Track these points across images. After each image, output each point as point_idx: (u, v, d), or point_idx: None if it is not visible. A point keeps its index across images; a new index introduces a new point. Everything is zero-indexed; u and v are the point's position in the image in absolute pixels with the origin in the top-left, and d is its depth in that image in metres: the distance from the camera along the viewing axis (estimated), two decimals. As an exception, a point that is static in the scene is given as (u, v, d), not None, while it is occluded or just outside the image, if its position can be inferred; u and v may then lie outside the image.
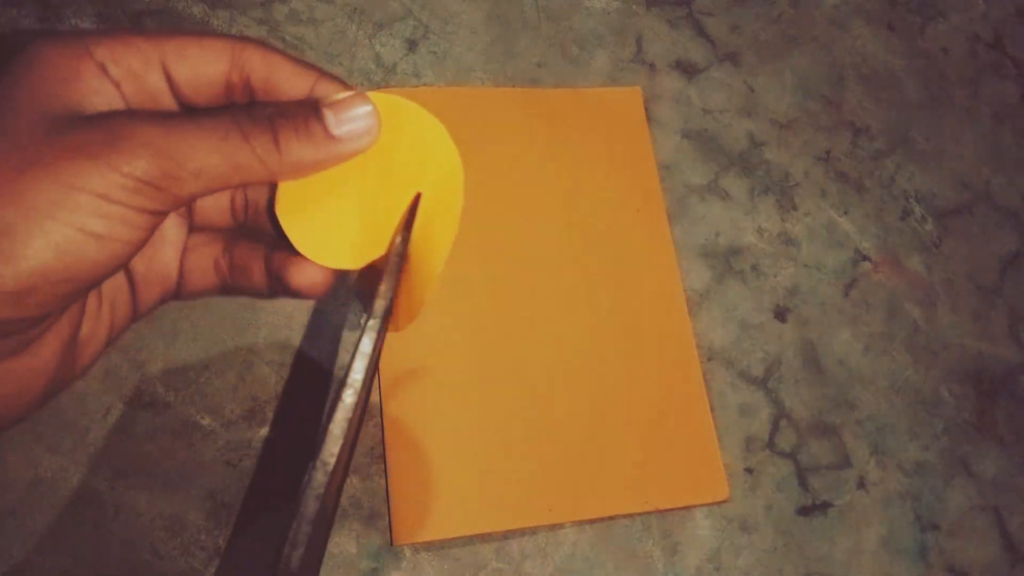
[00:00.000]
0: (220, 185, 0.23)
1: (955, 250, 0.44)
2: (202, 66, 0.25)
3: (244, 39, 0.25)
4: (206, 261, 0.27)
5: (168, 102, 0.25)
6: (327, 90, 0.26)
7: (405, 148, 0.26)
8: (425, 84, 0.42)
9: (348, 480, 0.34)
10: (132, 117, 0.22)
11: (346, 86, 0.26)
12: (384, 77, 0.42)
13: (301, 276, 0.26)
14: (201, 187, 0.23)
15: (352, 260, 0.26)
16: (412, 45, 0.43)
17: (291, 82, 0.26)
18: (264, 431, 0.35)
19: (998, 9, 0.51)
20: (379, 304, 0.25)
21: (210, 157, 0.23)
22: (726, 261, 0.42)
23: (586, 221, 0.41)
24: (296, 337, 0.36)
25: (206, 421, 0.34)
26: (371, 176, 0.26)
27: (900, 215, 0.44)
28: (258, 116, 0.24)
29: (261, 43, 0.25)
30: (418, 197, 0.26)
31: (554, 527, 0.35)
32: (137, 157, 0.21)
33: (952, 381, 0.41)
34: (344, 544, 0.34)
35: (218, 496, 0.33)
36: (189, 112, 0.23)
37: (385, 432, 0.35)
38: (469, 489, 0.35)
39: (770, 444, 0.39)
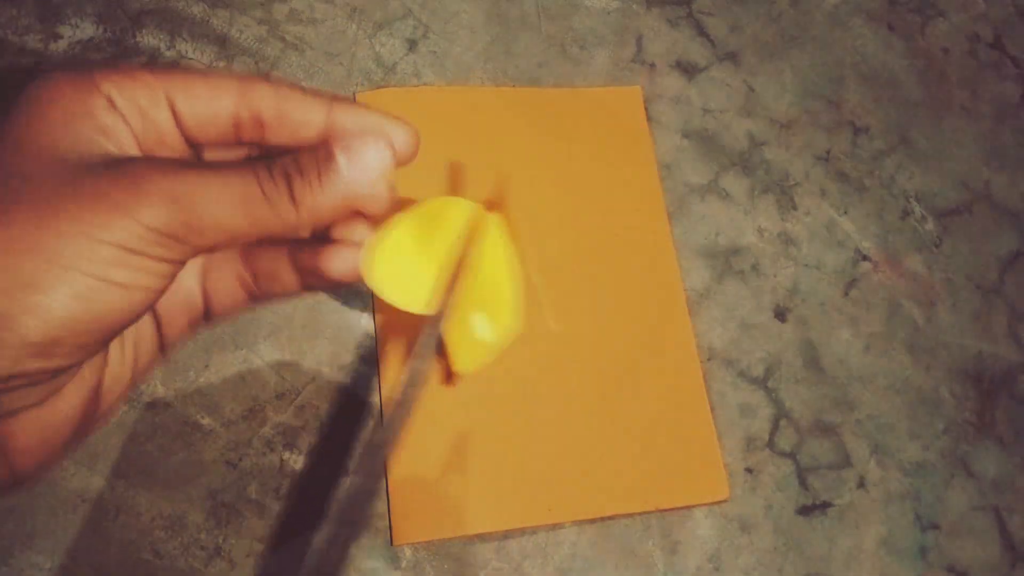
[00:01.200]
0: (241, 239, 0.23)
1: (955, 250, 0.44)
2: (210, 103, 0.24)
3: (253, 76, 0.25)
4: (229, 278, 0.27)
5: (175, 141, 0.24)
6: (343, 117, 0.25)
7: (452, 226, 0.30)
8: (425, 84, 0.42)
9: (347, 480, 0.34)
10: (151, 166, 0.22)
11: (359, 109, 0.25)
12: (384, 77, 0.42)
13: (338, 262, 0.26)
14: (222, 239, 0.22)
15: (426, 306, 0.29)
16: (412, 45, 0.43)
17: (303, 112, 0.25)
18: (264, 431, 0.35)
19: (998, 8, 0.51)
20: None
21: (230, 211, 0.22)
22: (726, 261, 0.42)
23: (586, 221, 0.41)
24: (296, 337, 0.36)
25: (206, 421, 0.34)
26: (437, 242, 0.30)
27: (900, 215, 0.44)
28: (275, 172, 0.23)
29: (270, 78, 0.25)
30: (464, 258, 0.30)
31: (554, 527, 0.35)
32: (158, 208, 0.21)
33: (952, 381, 0.41)
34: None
35: (218, 496, 0.33)
36: (208, 164, 0.23)
37: (385, 432, 0.35)
38: (469, 489, 0.35)
39: (770, 444, 0.39)
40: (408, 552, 0.34)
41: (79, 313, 0.21)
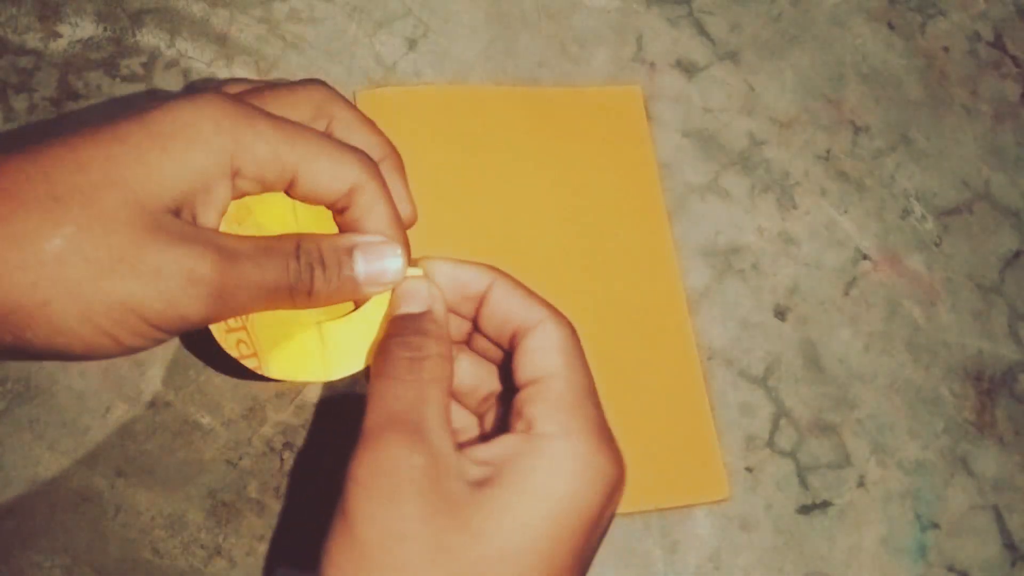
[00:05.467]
0: (247, 312, 0.25)
1: (955, 249, 0.44)
2: (324, 190, 0.26)
3: (369, 166, 0.26)
4: None
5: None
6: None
7: None
8: (425, 83, 0.42)
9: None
10: (205, 237, 0.23)
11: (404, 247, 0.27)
12: (384, 76, 0.42)
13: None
14: (233, 312, 0.25)
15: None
16: (412, 44, 0.43)
17: (372, 233, 0.27)
18: (264, 430, 0.35)
19: (998, 7, 0.51)
20: None
21: (259, 299, 0.25)
22: (726, 260, 0.42)
23: (586, 220, 0.41)
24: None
25: (206, 420, 0.34)
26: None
27: (900, 214, 0.44)
28: (303, 263, 0.25)
29: (379, 176, 0.27)
30: None
31: (554, 526, 0.35)
32: (197, 296, 0.23)
33: (952, 380, 0.41)
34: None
35: (218, 495, 0.33)
36: (250, 241, 0.24)
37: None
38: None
39: (770, 443, 0.39)
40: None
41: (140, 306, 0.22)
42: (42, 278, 0.21)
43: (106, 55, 0.39)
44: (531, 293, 0.27)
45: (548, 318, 0.26)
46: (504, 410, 0.27)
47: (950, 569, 0.38)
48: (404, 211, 0.28)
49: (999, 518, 0.39)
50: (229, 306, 0.24)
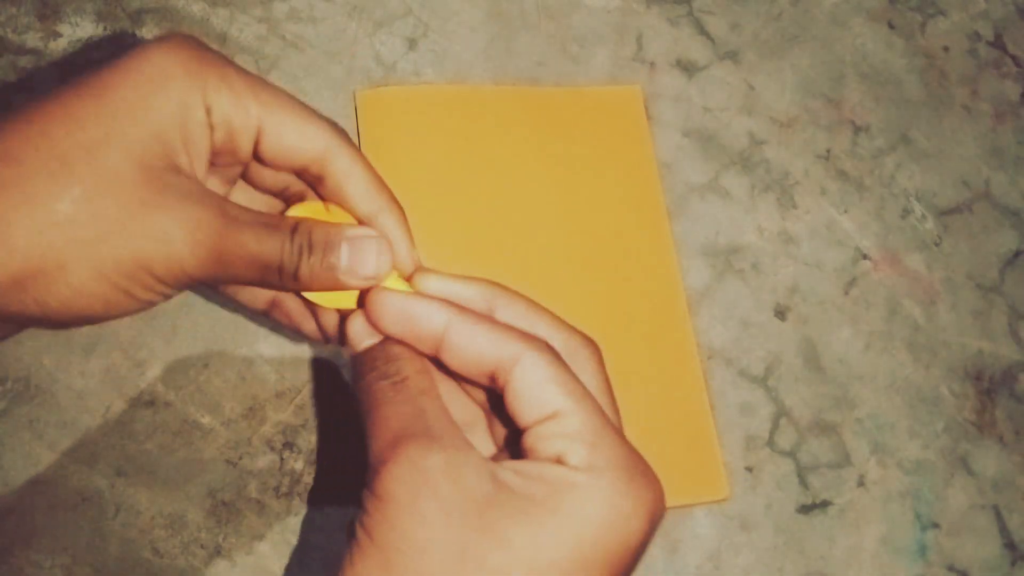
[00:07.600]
0: (242, 283, 0.25)
1: (955, 248, 0.44)
2: (291, 150, 0.25)
3: (340, 133, 0.26)
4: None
5: (243, 160, 0.26)
6: (386, 222, 0.27)
7: None
8: (425, 82, 0.42)
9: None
10: (208, 208, 0.23)
11: (404, 223, 0.27)
12: (384, 75, 0.42)
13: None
14: (229, 278, 0.25)
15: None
16: (412, 43, 0.43)
17: (358, 201, 0.26)
18: (264, 430, 0.35)
19: (999, 7, 0.51)
20: None
21: (252, 271, 0.24)
22: (726, 259, 0.42)
23: (586, 220, 0.41)
24: (296, 335, 0.36)
25: (206, 419, 0.34)
26: None
27: (900, 214, 0.44)
28: (295, 244, 0.25)
29: (351, 143, 0.26)
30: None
31: (554, 526, 0.35)
32: (201, 251, 0.23)
33: (952, 379, 0.41)
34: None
35: (218, 494, 0.33)
36: (248, 212, 0.24)
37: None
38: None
39: (770, 442, 0.39)
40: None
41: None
42: (56, 239, 0.21)
43: (106, 54, 0.39)
44: (496, 326, 0.25)
45: (525, 351, 0.24)
46: (497, 446, 0.27)
47: (950, 569, 0.38)
48: (406, 258, 0.27)
49: (999, 518, 0.39)
50: (227, 271, 0.24)
